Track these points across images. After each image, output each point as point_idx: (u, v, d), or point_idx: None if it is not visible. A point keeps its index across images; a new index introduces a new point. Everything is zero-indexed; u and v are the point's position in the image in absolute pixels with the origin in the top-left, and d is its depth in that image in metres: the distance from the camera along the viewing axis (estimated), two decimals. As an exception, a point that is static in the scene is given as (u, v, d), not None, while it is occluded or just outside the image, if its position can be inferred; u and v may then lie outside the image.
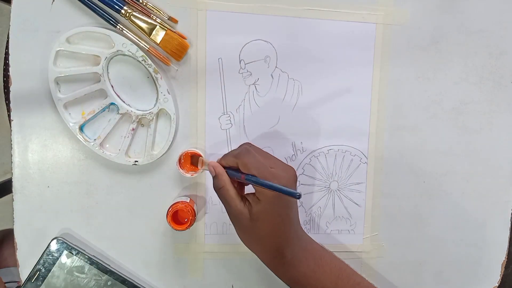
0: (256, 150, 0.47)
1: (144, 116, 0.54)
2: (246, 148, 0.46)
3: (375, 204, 0.59)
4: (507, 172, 0.61)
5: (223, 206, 0.57)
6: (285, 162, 0.57)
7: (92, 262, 0.54)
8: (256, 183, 0.44)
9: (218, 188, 0.47)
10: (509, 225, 0.62)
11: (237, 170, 0.46)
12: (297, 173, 0.47)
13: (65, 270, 0.54)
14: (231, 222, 0.47)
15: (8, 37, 0.59)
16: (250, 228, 0.46)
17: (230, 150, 0.50)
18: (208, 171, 0.49)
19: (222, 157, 0.48)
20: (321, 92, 0.57)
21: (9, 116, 0.58)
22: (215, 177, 0.47)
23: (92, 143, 0.53)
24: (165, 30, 0.52)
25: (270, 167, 0.45)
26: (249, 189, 0.48)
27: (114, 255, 0.56)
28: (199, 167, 0.52)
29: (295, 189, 0.46)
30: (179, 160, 0.53)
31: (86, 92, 0.52)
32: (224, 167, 0.47)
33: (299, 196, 0.41)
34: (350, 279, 0.47)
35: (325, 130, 0.57)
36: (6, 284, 0.66)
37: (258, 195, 0.45)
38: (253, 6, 0.54)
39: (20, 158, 0.53)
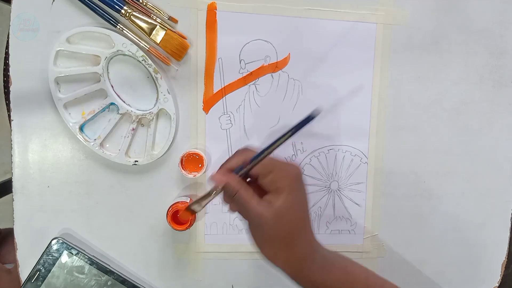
0: (252, 150, 0.43)
1: (144, 116, 0.54)
2: (242, 148, 0.44)
3: (375, 204, 0.59)
4: (507, 172, 0.61)
5: (223, 205, 0.57)
6: (285, 162, 0.57)
7: (92, 262, 0.54)
8: (263, 153, 0.41)
9: (233, 195, 0.41)
10: (509, 225, 0.62)
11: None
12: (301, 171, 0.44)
13: (65, 270, 0.54)
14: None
15: (8, 37, 0.59)
16: (274, 228, 0.41)
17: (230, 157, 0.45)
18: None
19: (221, 166, 0.43)
20: (321, 92, 0.57)
21: (9, 116, 0.58)
22: (224, 187, 0.42)
23: (92, 143, 0.53)
24: (165, 30, 0.52)
25: (275, 162, 0.42)
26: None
27: (114, 255, 0.56)
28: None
29: (299, 187, 0.42)
30: (181, 161, 0.53)
31: (86, 92, 0.52)
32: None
33: (318, 112, 0.38)
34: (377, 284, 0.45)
35: (325, 130, 0.57)
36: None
37: (277, 185, 0.41)
38: (253, 6, 0.54)
39: (20, 158, 0.53)
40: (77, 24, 0.52)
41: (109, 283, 0.54)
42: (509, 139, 0.60)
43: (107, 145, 0.54)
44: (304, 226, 0.43)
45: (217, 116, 0.56)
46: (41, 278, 0.53)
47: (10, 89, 0.52)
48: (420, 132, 0.59)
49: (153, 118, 0.54)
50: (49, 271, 0.53)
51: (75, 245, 0.54)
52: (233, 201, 0.42)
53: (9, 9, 0.51)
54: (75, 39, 0.52)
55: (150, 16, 0.52)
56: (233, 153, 0.44)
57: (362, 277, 0.45)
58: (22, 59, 0.52)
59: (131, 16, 0.51)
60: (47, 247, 0.53)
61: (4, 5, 0.87)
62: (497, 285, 0.62)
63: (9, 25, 0.51)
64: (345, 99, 0.57)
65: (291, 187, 0.41)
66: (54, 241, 0.53)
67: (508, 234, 0.62)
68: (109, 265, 0.55)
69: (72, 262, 0.54)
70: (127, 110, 0.53)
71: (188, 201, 0.53)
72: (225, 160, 0.43)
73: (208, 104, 0.55)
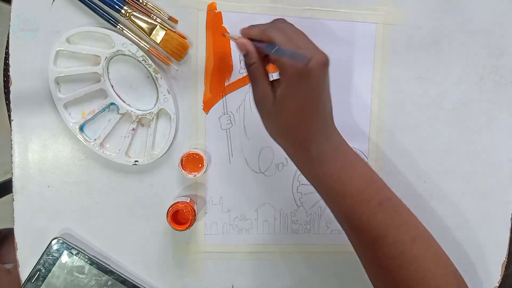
0: (286, 29, 0.43)
1: (144, 116, 0.54)
2: (276, 25, 0.43)
3: (375, 204, 0.59)
4: (507, 172, 0.61)
5: (223, 206, 0.57)
6: (285, 162, 0.57)
7: (92, 262, 0.54)
8: (269, 49, 0.41)
9: (249, 64, 0.43)
10: (509, 225, 0.62)
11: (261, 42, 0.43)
12: (329, 61, 0.42)
13: (65, 270, 0.54)
14: (255, 107, 0.44)
15: (8, 37, 0.59)
16: (274, 114, 0.43)
17: (259, 24, 0.46)
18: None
19: (248, 28, 0.45)
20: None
21: (9, 116, 0.58)
22: (246, 55, 0.44)
23: (92, 143, 0.53)
24: (165, 30, 0.52)
25: (298, 46, 0.41)
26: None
27: (114, 255, 0.56)
28: (228, 37, 0.48)
29: (324, 76, 0.41)
30: (181, 161, 0.53)
31: (86, 92, 0.52)
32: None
33: (306, 61, 0.38)
34: (380, 191, 0.43)
35: (325, 130, 0.57)
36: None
37: (281, 75, 0.41)
38: (254, 6, 0.54)
39: (20, 158, 0.53)
40: (77, 24, 0.52)
41: (109, 283, 0.54)
42: (509, 139, 0.60)
43: (107, 145, 0.54)
44: (304, 116, 0.42)
45: (217, 116, 0.56)
46: (41, 278, 0.53)
47: (10, 89, 0.52)
48: (420, 132, 0.59)
49: (153, 118, 0.54)
50: (49, 271, 0.53)
51: (75, 245, 0.54)
52: (248, 70, 0.44)
53: (9, 9, 0.51)
54: (75, 39, 0.52)
55: (150, 16, 0.52)
56: (272, 20, 0.45)
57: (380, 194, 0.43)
58: (22, 59, 0.52)
59: (131, 16, 0.51)
60: (47, 247, 0.53)
61: (4, 5, 0.88)
62: (497, 285, 0.62)
63: (9, 25, 0.51)
64: (345, 99, 0.57)
65: (294, 78, 0.40)
66: (54, 241, 0.53)
67: (508, 234, 0.62)
68: (109, 265, 0.55)
69: (72, 262, 0.54)
70: (127, 110, 0.53)
71: (188, 201, 0.53)
72: (256, 24, 0.45)
73: (208, 104, 0.55)
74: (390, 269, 0.42)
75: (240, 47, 0.44)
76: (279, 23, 0.44)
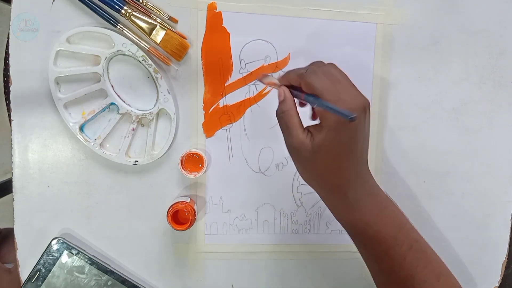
0: (325, 72, 0.42)
1: (144, 116, 0.54)
2: (313, 70, 0.42)
3: (375, 204, 0.59)
4: (507, 172, 0.61)
5: (223, 206, 0.57)
6: (285, 162, 0.57)
7: (92, 262, 0.54)
8: (311, 102, 0.41)
9: (282, 112, 0.43)
10: (509, 225, 0.62)
11: (299, 90, 0.43)
12: (370, 104, 0.42)
13: (65, 270, 0.54)
14: (289, 155, 0.43)
15: (8, 37, 0.59)
16: (311, 161, 0.42)
17: (297, 68, 0.45)
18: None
19: (286, 73, 0.44)
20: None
21: (9, 116, 0.58)
22: (282, 101, 0.43)
23: (92, 143, 0.53)
24: (165, 30, 0.52)
25: (337, 92, 0.40)
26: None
27: (114, 255, 0.56)
28: (264, 82, 0.47)
29: (364, 120, 0.41)
30: (181, 161, 0.53)
31: (86, 92, 0.52)
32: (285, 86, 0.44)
33: (352, 118, 0.37)
34: (409, 234, 0.44)
35: (325, 130, 0.57)
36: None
37: (321, 122, 0.41)
38: (253, 6, 0.54)
39: (20, 158, 0.53)
40: (77, 24, 0.52)
41: (109, 283, 0.54)
42: (509, 139, 0.60)
43: (107, 145, 0.54)
44: (343, 162, 0.42)
45: (217, 116, 0.56)
46: (41, 278, 0.53)
47: (10, 89, 0.52)
48: (420, 132, 0.59)
49: (153, 118, 0.54)
50: (49, 271, 0.53)
51: (75, 245, 0.54)
52: (280, 118, 0.43)
53: (9, 9, 0.51)
54: (75, 39, 0.52)
55: (150, 16, 0.52)
56: (309, 63, 0.44)
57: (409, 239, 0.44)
58: (22, 59, 0.52)
59: (131, 16, 0.51)
60: (47, 247, 0.53)
61: (4, 5, 0.88)
62: (497, 285, 0.62)
63: (9, 25, 0.51)
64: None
65: (335, 126, 0.40)
66: (54, 241, 0.53)
67: (508, 234, 0.62)
68: (109, 265, 0.55)
69: (72, 262, 0.54)
70: (127, 110, 0.53)
71: (188, 201, 0.53)
72: (293, 69, 0.44)
73: (208, 104, 0.55)
74: None
75: (279, 91, 0.43)
76: (317, 66, 0.43)
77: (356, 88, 0.42)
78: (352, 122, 0.38)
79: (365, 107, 0.41)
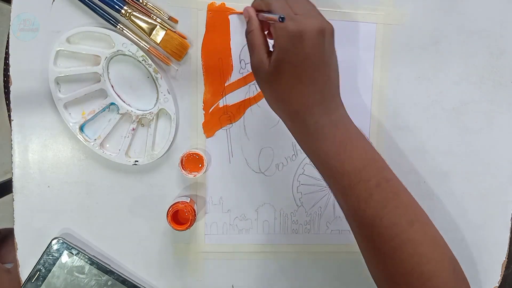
0: None
1: (144, 116, 0.54)
2: None
3: (375, 204, 0.59)
4: (507, 172, 0.61)
5: (223, 206, 0.57)
6: (285, 162, 0.57)
7: (92, 262, 0.54)
8: (261, 17, 0.43)
9: (247, 32, 0.45)
10: (509, 225, 0.62)
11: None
12: (333, 31, 0.42)
13: (65, 270, 0.54)
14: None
15: (8, 37, 0.59)
16: (270, 82, 0.42)
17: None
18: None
19: (254, 1, 0.47)
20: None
21: (9, 116, 0.58)
22: (248, 22, 0.45)
23: (92, 143, 0.53)
24: (165, 30, 0.52)
25: (292, 10, 0.41)
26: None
27: (114, 255, 0.56)
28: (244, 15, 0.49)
29: (320, 43, 0.40)
30: (181, 161, 0.53)
31: (86, 92, 0.52)
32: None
33: (281, 18, 0.38)
34: (379, 172, 0.42)
35: (325, 130, 0.57)
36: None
37: (274, 40, 0.41)
38: (253, 6, 0.54)
39: (20, 158, 0.53)
40: (77, 24, 0.52)
41: (109, 283, 0.54)
42: (509, 139, 0.60)
43: (107, 145, 0.54)
44: (298, 85, 0.41)
45: (217, 116, 0.56)
46: (41, 278, 0.53)
47: (10, 89, 0.52)
48: (420, 132, 0.59)
49: (153, 118, 0.54)
50: (49, 271, 0.53)
51: (75, 245, 0.54)
52: (247, 38, 0.45)
53: (9, 9, 0.51)
54: (75, 39, 0.52)
55: (150, 16, 0.52)
56: None
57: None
58: (22, 59, 0.52)
59: (131, 16, 0.51)
60: (47, 247, 0.53)
61: (4, 5, 0.88)
62: (497, 285, 0.62)
63: (9, 25, 0.51)
64: (345, 99, 0.57)
65: (284, 45, 0.40)
66: (54, 241, 0.53)
67: (508, 234, 0.62)
68: (109, 265, 0.55)
69: (72, 262, 0.54)
70: (127, 110, 0.53)
71: (188, 201, 0.53)
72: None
73: (208, 104, 0.55)
74: (385, 252, 0.41)
75: (244, 12, 0.46)
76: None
77: (319, 12, 0.42)
78: (305, 42, 0.39)
79: (322, 29, 0.40)
